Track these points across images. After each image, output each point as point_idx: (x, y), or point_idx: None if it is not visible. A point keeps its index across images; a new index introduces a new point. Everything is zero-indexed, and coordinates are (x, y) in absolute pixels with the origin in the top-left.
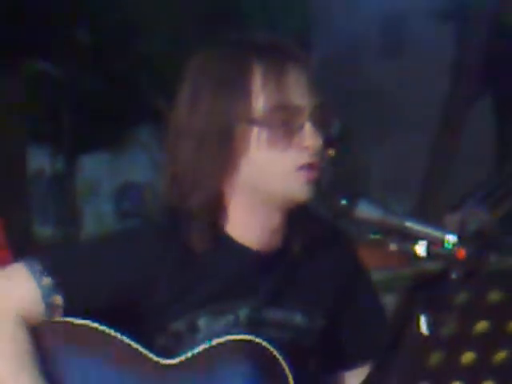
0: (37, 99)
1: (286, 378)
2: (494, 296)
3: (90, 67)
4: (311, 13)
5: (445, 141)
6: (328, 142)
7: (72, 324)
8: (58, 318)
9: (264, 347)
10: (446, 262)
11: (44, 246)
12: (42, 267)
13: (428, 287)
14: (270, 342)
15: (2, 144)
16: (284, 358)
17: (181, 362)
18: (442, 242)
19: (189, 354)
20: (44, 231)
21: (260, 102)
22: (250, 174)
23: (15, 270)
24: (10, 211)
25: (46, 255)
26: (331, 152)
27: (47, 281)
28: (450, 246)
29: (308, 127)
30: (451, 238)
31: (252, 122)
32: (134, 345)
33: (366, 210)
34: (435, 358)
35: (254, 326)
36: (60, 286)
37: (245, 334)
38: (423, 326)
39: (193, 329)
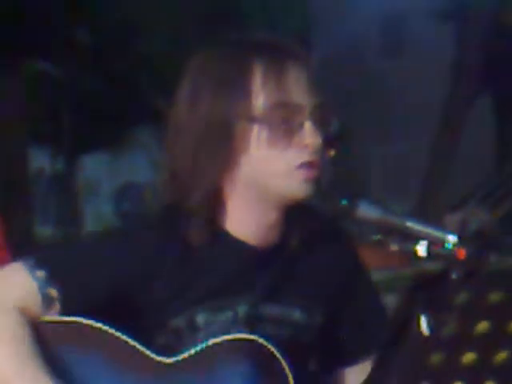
0: (37, 99)
1: (286, 377)
2: (495, 296)
3: (90, 67)
4: (311, 12)
5: (445, 141)
6: (328, 141)
7: (71, 322)
8: (57, 317)
9: (264, 346)
10: (446, 262)
11: (44, 246)
12: (36, 261)
13: (428, 287)
14: (268, 338)
15: (3, 144)
16: (283, 356)
17: (180, 361)
18: (443, 242)
19: (188, 353)
20: (44, 231)
21: (260, 100)
22: (250, 171)
23: (11, 267)
24: (10, 211)
25: (41, 251)
26: (332, 152)
27: (41, 273)
28: (451, 246)
29: (308, 126)
30: (451, 238)
31: (252, 120)
32: (134, 343)
33: (366, 211)
34: (436, 358)
35: (252, 322)
36: (54, 278)
37: (243, 330)
38: (424, 326)
39: (192, 326)
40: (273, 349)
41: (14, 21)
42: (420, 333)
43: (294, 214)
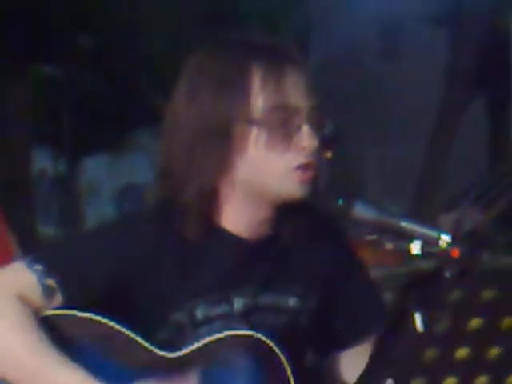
0: (42, 101)
1: (285, 371)
2: (487, 294)
3: (90, 68)
4: (310, 16)
5: (439, 143)
6: (323, 143)
7: (73, 316)
8: (59, 311)
9: (263, 342)
10: (440, 260)
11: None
12: (34, 256)
13: (423, 285)
14: (265, 327)
15: (6, 146)
16: (281, 344)
17: (182, 356)
18: (437, 241)
19: (190, 348)
20: (47, 231)
21: (259, 102)
22: (247, 172)
23: (11, 265)
24: (13, 212)
25: (40, 249)
26: (328, 154)
27: (39, 266)
28: (444, 246)
29: (305, 128)
30: (445, 238)
31: (251, 122)
32: (136, 338)
33: (362, 211)
34: (430, 354)
35: (249, 313)
36: (52, 270)
37: (241, 322)
38: (418, 323)
39: (193, 320)
40: (272, 344)
41: (16, 25)
42: (414, 329)
43: (286, 207)
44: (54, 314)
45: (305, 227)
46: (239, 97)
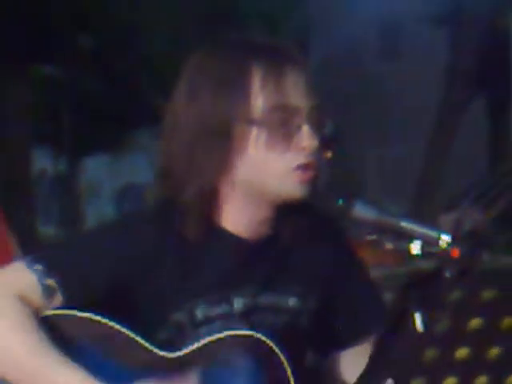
0: (43, 101)
1: (285, 371)
2: (487, 294)
3: (90, 69)
4: (310, 16)
5: (439, 143)
6: (323, 143)
7: (73, 316)
8: (59, 311)
9: (263, 342)
10: (440, 260)
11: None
12: (34, 257)
13: (423, 285)
14: (265, 327)
15: (7, 145)
16: (281, 344)
17: (182, 356)
18: (437, 241)
19: (190, 348)
20: (47, 231)
21: (259, 102)
22: (247, 172)
23: (11, 265)
24: (13, 211)
25: (40, 249)
26: (329, 154)
27: (39, 267)
28: (444, 246)
29: (305, 128)
30: (445, 238)
31: (251, 122)
32: (136, 338)
33: (362, 211)
34: (430, 354)
35: (249, 313)
36: (52, 270)
37: (241, 322)
38: (418, 323)
39: (193, 320)
40: (272, 344)
41: (18, 25)
42: (414, 329)
43: (286, 207)
44: (54, 314)
45: (305, 227)
46: (239, 97)
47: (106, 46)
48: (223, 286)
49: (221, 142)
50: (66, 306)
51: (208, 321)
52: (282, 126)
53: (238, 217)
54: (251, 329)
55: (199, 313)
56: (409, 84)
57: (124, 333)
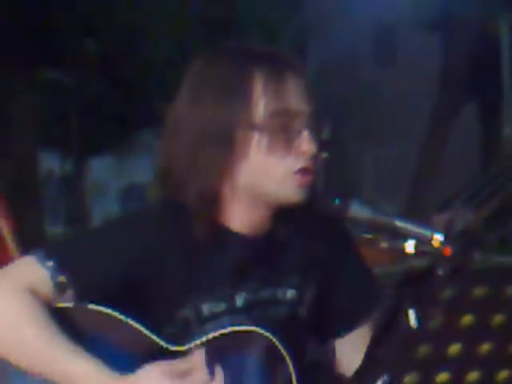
0: (50, 105)
1: (287, 365)
2: (479, 291)
3: (97, 73)
4: (308, 22)
5: (432, 145)
6: (321, 146)
7: (84, 308)
8: (70, 303)
9: (266, 337)
10: (433, 259)
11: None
12: (46, 252)
13: (416, 283)
14: (266, 321)
15: (15, 148)
16: (281, 336)
17: (188, 350)
18: (430, 240)
19: (196, 343)
20: (54, 231)
21: (260, 108)
22: (248, 176)
23: (23, 259)
24: (21, 212)
25: (51, 243)
26: (325, 155)
27: (50, 263)
28: (437, 244)
29: (305, 133)
30: (438, 237)
31: (253, 128)
32: (144, 331)
33: (358, 210)
34: (423, 350)
35: (250, 308)
36: (64, 267)
37: (244, 317)
38: (412, 320)
39: (200, 317)
40: (273, 338)
41: (25, 30)
42: (408, 326)
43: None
44: (65, 307)
45: (300, 217)
46: (241, 103)
47: (111, 50)
48: (227, 283)
49: (223, 147)
50: (77, 301)
51: (214, 317)
52: (282, 131)
53: (239, 216)
54: (253, 323)
55: (205, 309)
56: (403, 88)
57: (132, 326)
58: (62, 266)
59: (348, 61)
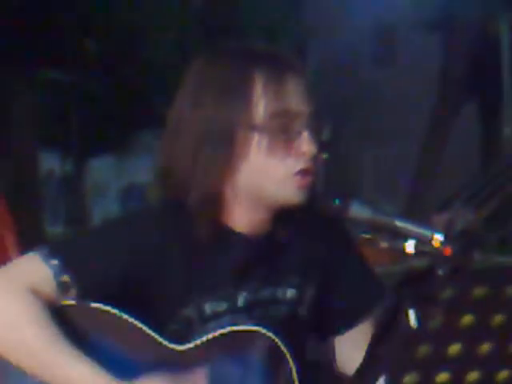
0: (50, 104)
1: (288, 364)
2: (479, 291)
3: (97, 74)
4: (308, 22)
5: (432, 145)
6: (321, 147)
7: (86, 307)
8: (73, 302)
9: (267, 336)
10: (433, 259)
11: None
12: (50, 250)
13: (416, 283)
14: (267, 320)
15: (15, 148)
16: (282, 336)
17: (190, 350)
18: (430, 240)
19: (197, 342)
20: (54, 231)
21: (260, 109)
22: (248, 176)
23: (27, 256)
24: (21, 212)
25: (55, 241)
26: (325, 155)
27: (55, 262)
28: (437, 244)
29: (305, 134)
30: (438, 237)
31: (253, 128)
32: (147, 330)
33: (358, 210)
34: (423, 350)
35: (251, 307)
36: (68, 266)
37: (245, 316)
38: (412, 320)
39: (202, 316)
40: (275, 337)
41: (25, 29)
42: (408, 326)
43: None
44: (67, 306)
45: (300, 218)
46: (241, 104)
47: (111, 50)
48: (230, 282)
49: (223, 148)
50: (79, 301)
51: (216, 316)
52: (282, 131)
53: (241, 216)
54: (255, 323)
55: (207, 308)
56: (403, 88)
57: (135, 325)
58: (66, 265)
59: (348, 61)
